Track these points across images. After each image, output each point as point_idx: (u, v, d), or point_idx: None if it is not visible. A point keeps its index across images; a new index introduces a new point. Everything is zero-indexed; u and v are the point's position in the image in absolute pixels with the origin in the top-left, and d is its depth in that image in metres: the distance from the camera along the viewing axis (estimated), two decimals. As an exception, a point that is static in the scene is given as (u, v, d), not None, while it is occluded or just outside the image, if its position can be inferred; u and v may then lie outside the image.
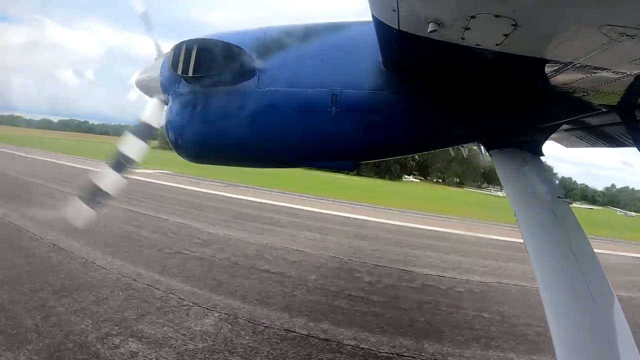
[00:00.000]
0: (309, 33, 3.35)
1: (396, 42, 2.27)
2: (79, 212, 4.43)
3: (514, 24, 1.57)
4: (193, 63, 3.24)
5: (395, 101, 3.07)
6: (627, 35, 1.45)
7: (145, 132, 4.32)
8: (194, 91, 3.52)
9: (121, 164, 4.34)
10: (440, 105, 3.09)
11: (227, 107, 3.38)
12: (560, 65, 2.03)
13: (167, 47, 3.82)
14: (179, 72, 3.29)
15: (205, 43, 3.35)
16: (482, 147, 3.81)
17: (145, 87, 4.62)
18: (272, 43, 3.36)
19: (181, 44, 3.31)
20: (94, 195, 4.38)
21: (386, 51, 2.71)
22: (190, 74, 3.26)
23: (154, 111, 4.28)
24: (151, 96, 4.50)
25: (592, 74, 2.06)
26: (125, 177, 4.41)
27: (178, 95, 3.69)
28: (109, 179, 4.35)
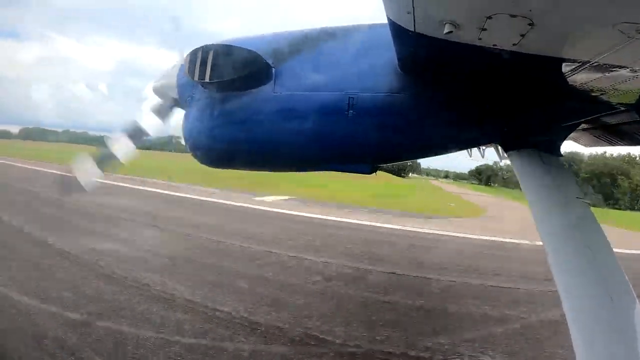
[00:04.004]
0: (325, 36, 3.37)
1: (412, 44, 2.27)
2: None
3: (530, 24, 1.57)
4: (209, 68, 3.24)
5: (411, 103, 3.05)
6: None
7: (136, 134, 4.47)
8: (210, 97, 3.55)
9: (105, 158, 4.52)
10: (457, 106, 3.07)
11: (243, 112, 3.40)
12: (578, 64, 2.02)
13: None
14: (196, 78, 3.30)
15: (222, 48, 3.36)
16: (499, 148, 3.78)
17: (162, 93, 4.70)
18: (287, 47, 3.38)
19: (197, 49, 3.33)
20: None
21: (402, 53, 2.70)
22: (207, 79, 3.26)
23: (152, 119, 4.51)
24: (168, 102, 4.60)
25: (610, 73, 2.04)
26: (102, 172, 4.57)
27: (195, 101, 3.74)
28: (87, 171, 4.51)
